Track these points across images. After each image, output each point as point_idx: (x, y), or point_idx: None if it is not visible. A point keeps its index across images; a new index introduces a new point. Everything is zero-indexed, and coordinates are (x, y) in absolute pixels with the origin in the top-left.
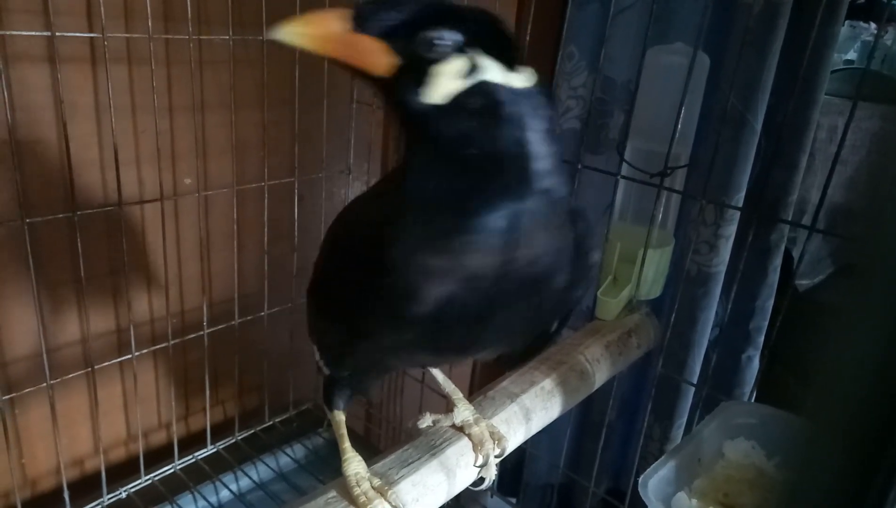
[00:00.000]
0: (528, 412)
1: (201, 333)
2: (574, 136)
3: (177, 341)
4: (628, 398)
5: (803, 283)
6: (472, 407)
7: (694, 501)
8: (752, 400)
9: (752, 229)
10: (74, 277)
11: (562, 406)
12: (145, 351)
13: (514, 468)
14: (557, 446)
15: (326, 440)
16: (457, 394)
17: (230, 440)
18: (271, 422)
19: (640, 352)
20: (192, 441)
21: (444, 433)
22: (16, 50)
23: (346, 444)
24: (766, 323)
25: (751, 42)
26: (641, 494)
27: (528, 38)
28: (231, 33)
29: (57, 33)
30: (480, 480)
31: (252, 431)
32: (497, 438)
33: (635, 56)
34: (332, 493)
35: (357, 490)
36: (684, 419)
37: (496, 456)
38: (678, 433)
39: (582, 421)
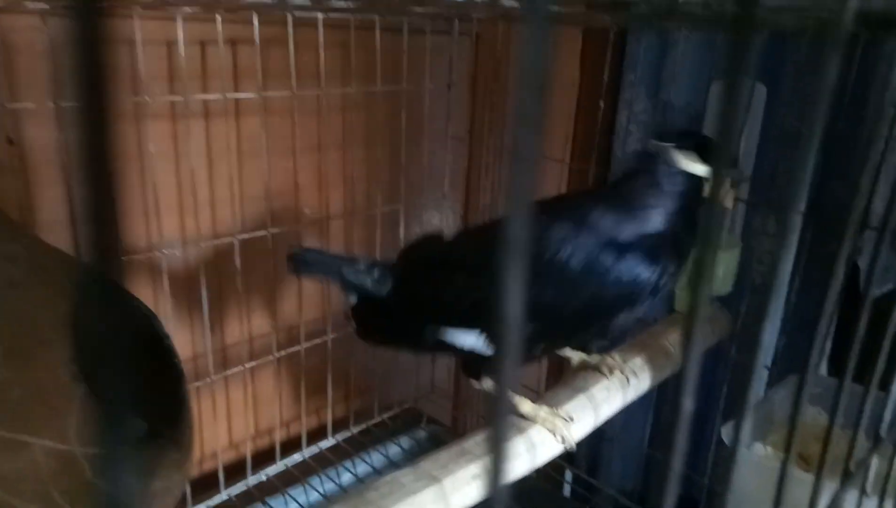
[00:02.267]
0: (596, 402)
1: (325, 338)
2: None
3: (307, 345)
4: (699, 408)
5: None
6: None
7: (769, 448)
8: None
9: (813, 237)
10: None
11: (652, 380)
12: (256, 363)
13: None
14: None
15: (428, 434)
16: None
17: (347, 434)
18: (380, 418)
19: (714, 338)
20: (316, 435)
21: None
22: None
23: (522, 398)
24: (833, 332)
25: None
26: (724, 439)
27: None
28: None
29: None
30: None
31: (365, 426)
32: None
33: (691, 83)
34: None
35: (540, 415)
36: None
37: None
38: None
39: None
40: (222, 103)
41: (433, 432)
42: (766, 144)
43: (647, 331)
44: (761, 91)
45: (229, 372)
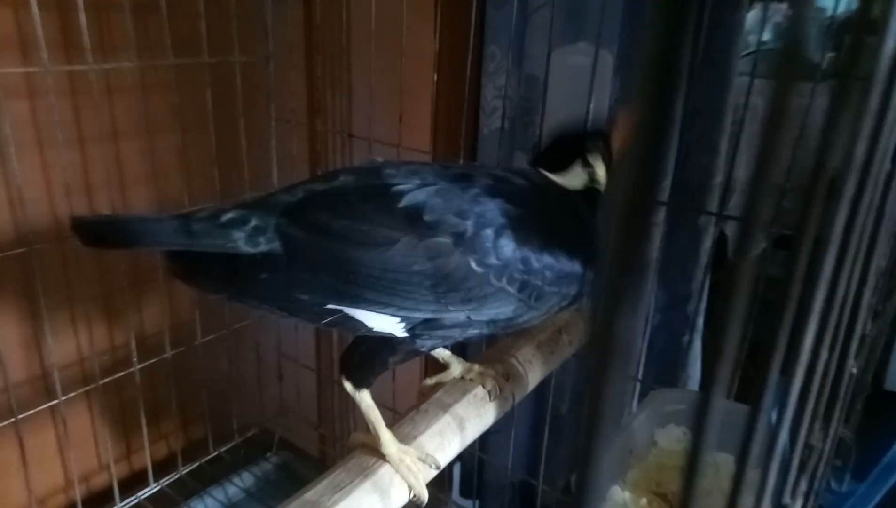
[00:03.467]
0: (461, 422)
1: (132, 369)
2: (502, 135)
3: (107, 380)
4: (580, 391)
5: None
6: (462, 359)
7: (627, 493)
8: (697, 381)
9: (676, 215)
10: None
11: (496, 412)
12: (73, 395)
13: (471, 470)
14: (511, 444)
15: (276, 466)
16: (446, 353)
17: (174, 476)
18: (216, 452)
19: (572, 349)
20: (134, 481)
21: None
22: None
23: (384, 426)
24: (704, 305)
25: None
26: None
27: (437, 41)
28: (136, 59)
29: None
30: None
31: (197, 464)
32: (494, 369)
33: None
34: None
35: (401, 464)
36: (633, 407)
37: (505, 378)
38: (628, 420)
39: (534, 417)
40: None
41: (285, 460)
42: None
43: (494, 346)
44: (607, 59)
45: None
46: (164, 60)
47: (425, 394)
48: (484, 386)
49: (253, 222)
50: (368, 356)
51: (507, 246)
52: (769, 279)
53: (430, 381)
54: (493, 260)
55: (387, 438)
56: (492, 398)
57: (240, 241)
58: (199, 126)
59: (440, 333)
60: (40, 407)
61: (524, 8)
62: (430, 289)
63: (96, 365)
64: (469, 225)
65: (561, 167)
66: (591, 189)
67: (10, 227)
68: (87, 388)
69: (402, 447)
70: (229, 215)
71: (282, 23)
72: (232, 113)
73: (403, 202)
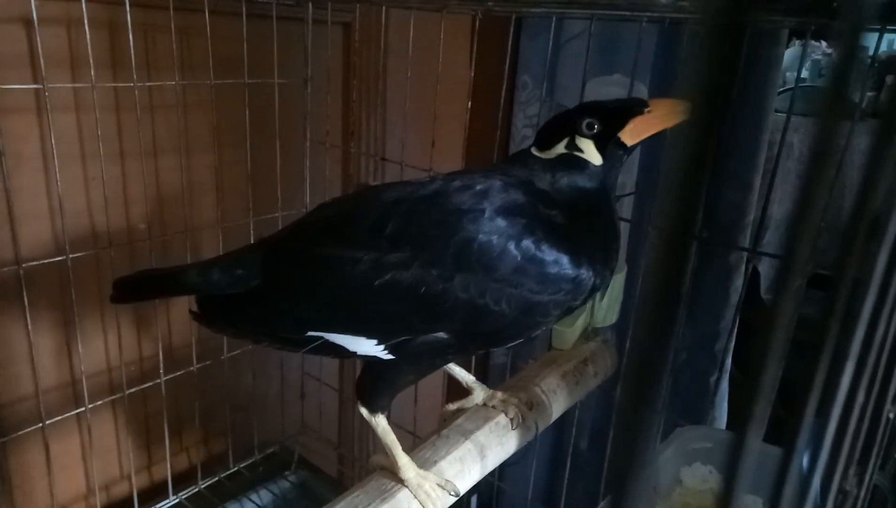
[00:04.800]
0: (482, 449)
1: (158, 381)
2: None
3: (133, 390)
4: (601, 426)
5: (771, 297)
6: (485, 386)
7: None
8: (724, 421)
9: (708, 251)
10: (24, 330)
11: (518, 441)
12: (99, 403)
13: (489, 500)
14: (531, 475)
15: (293, 484)
16: (471, 378)
17: (193, 490)
18: (236, 468)
19: (597, 380)
20: (155, 492)
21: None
22: None
23: (400, 450)
24: (733, 344)
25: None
26: None
27: (472, 69)
28: (178, 78)
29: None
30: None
31: (216, 478)
32: (520, 394)
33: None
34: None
35: (420, 489)
36: (656, 444)
37: (528, 407)
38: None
39: (553, 451)
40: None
41: (303, 479)
42: (652, 153)
43: (517, 374)
44: (642, 91)
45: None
46: (205, 80)
47: (447, 420)
48: (506, 414)
49: (241, 264)
50: (375, 380)
51: (471, 255)
52: (801, 319)
53: (452, 407)
54: (452, 271)
55: (405, 462)
56: (514, 426)
57: (231, 283)
58: (235, 145)
59: (427, 353)
60: (67, 414)
61: (557, 38)
62: (395, 305)
63: (123, 375)
64: (430, 237)
65: (547, 146)
66: (567, 155)
67: (49, 236)
68: (114, 397)
69: (422, 472)
70: (226, 262)
71: (321, 47)
72: (268, 133)
73: (367, 222)
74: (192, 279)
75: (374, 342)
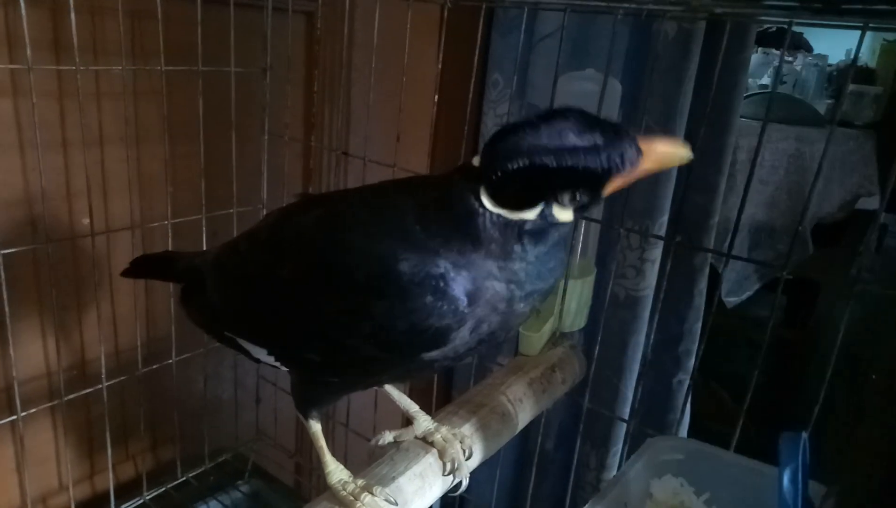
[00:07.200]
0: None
1: (99, 387)
2: None
3: (72, 396)
4: (567, 427)
5: (731, 300)
6: (430, 418)
7: None
8: (686, 424)
9: (674, 253)
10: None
11: (483, 452)
12: (34, 410)
13: (452, 502)
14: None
15: (246, 494)
16: (413, 407)
17: (138, 501)
18: (184, 477)
19: (565, 387)
20: (96, 504)
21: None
22: None
23: (328, 456)
24: (696, 346)
25: (666, 68)
26: None
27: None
28: (126, 63)
29: None
30: (458, 485)
31: (163, 488)
32: (461, 439)
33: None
34: (324, 503)
35: (343, 493)
36: (619, 447)
37: (466, 458)
38: (614, 460)
39: (519, 452)
40: None
41: (257, 489)
42: None
43: (482, 381)
44: (615, 87)
45: None
46: (155, 66)
47: (373, 456)
48: (442, 457)
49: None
50: (298, 387)
51: (326, 278)
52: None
53: (388, 437)
54: (321, 282)
55: (331, 469)
56: (445, 472)
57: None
58: (188, 136)
59: (325, 370)
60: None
61: (530, 37)
62: (272, 315)
63: (61, 380)
64: (295, 254)
65: (514, 205)
66: (539, 222)
67: None
68: (52, 404)
69: (360, 481)
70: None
71: (282, 35)
72: (223, 124)
73: (263, 233)
74: (181, 266)
75: (266, 351)
